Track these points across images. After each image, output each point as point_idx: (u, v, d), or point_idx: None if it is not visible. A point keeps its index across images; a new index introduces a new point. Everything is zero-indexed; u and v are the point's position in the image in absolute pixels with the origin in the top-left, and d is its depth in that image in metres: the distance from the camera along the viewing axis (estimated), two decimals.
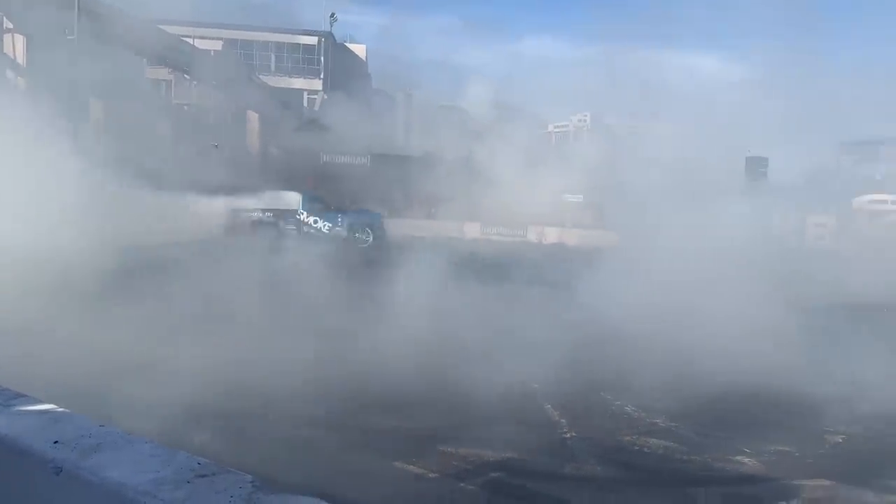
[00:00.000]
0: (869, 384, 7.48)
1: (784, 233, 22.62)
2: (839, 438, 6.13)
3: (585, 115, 53.21)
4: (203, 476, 2.75)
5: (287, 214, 22.65)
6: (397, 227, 28.77)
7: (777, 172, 27.45)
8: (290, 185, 24.61)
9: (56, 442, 3.00)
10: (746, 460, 5.44)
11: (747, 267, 10.69)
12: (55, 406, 3.61)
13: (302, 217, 22.72)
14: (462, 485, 4.87)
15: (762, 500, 4.84)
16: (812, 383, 7.23)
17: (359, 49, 47.17)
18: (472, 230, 30.15)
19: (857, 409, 6.85)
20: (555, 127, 54.22)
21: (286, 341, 7.60)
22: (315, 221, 22.85)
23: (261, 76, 39.73)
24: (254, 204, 22.45)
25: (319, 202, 23.53)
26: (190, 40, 34.47)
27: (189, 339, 7.40)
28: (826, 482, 5.12)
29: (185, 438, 4.92)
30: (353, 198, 27.96)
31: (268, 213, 22.47)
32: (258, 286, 9.94)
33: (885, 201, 22.67)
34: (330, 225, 22.90)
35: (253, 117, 34.95)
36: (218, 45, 38.70)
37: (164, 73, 34.77)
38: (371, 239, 23.01)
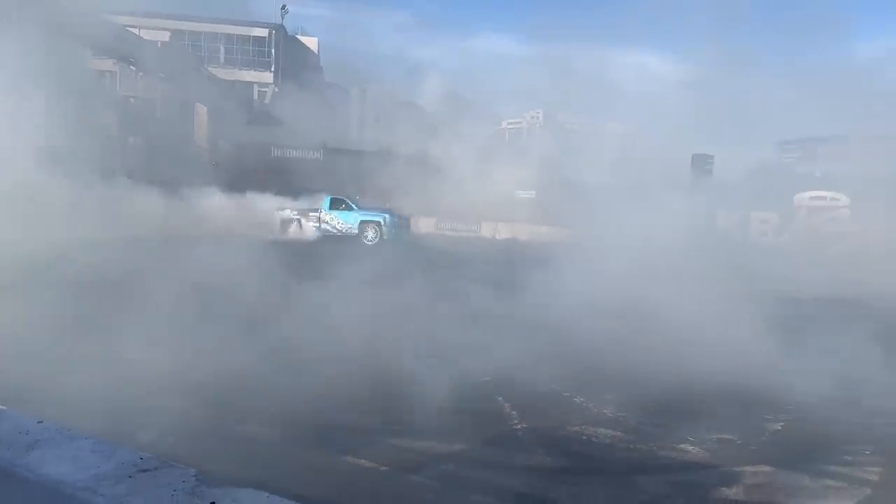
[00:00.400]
0: (806, 374, 7.76)
1: (729, 228, 23.30)
2: (779, 426, 6.34)
3: (538, 113, 53.66)
4: (145, 471, 2.71)
5: (311, 213, 24.49)
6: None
7: (722, 170, 28.22)
8: (238, 180, 24.46)
9: None
10: (691, 448, 5.59)
11: (690, 262, 10.98)
12: None
13: (321, 215, 24.34)
14: (414, 477, 4.88)
15: (706, 487, 4.97)
16: (753, 374, 7.46)
17: (311, 42, 46.59)
18: (427, 225, 30.23)
19: (796, 398, 7.10)
20: (508, 123, 54.54)
21: (229, 340, 7.50)
22: (331, 219, 24.42)
23: (210, 68, 38.92)
24: (296, 204, 24.84)
25: (343, 202, 25.02)
26: (136, 30, 33.57)
27: (121, 336, 7.23)
28: (766, 468, 5.30)
29: (130, 435, 4.82)
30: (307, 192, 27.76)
31: (294, 212, 24.54)
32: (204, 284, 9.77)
33: (824, 198, 23.46)
34: (342, 222, 24.41)
35: (201, 110, 34.23)
36: (165, 36, 37.78)
37: (108, 64, 33.79)
38: (377, 238, 24.11)
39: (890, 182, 19.59)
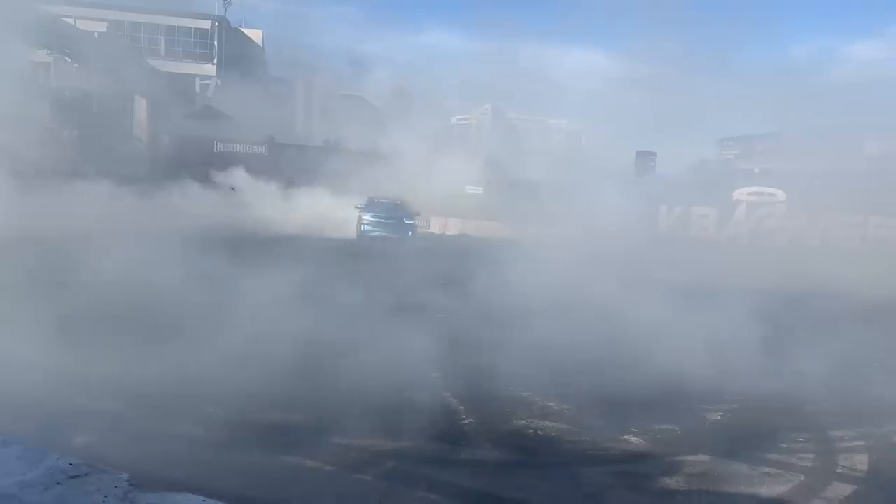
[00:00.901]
0: (744, 365, 8.01)
1: (671, 223, 23.84)
2: (718, 416, 6.52)
3: (487, 108, 53.93)
4: (75, 477, 2.61)
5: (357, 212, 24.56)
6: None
7: (664, 166, 28.91)
8: (181, 174, 23.94)
9: None
10: (633, 439, 5.70)
11: (631, 257, 11.21)
12: None
13: (360, 215, 24.37)
14: (359, 476, 4.84)
15: (648, 476, 5.07)
16: (693, 365, 7.65)
17: (255, 34, 45.75)
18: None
19: (735, 389, 7.32)
20: (458, 119, 54.67)
21: (165, 342, 7.33)
22: (361, 218, 24.44)
23: (150, 60, 37.84)
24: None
25: (378, 202, 24.99)
26: (72, 20, 32.41)
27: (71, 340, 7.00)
28: (706, 457, 5.45)
29: (65, 440, 4.66)
30: None
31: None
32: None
33: (762, 193, 24.15)
34: (367, 220, 24.31)
35: (141, 103, 33.24)
36: (103, 27, 36.57)
37: (42, 55, 32.52)
38: (387, 236, 23.77)
39: (823, 177, 20.35)
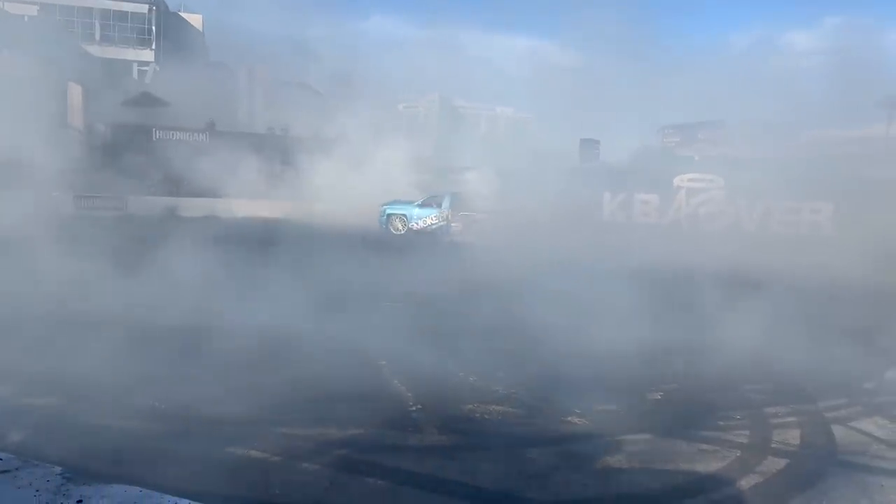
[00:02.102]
0: (680, 346, 8.26)
1: (614, 209, 24.29)
2: (658, 396, 6.71)
3: (434, 96, 53.81)
4: (5, 472, 2.54)
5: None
6: (242, 208, 27.87)
7: (608, 153, 29.41)
8: (118, 164, 23.25)
9: None
10: (577, 420, 5.82)
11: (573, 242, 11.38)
12: None
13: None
14: (306, 465, 4.82)
15: (591, 456, 5.18)
16: (631, 347, 7.86)
17: (194, 19, 44.59)
18: (321, 210, 29.74)
19: (673, 369, 7.55)
20: (405, 107, 54.42)
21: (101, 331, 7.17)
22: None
23: (84, 46, 36.53)
24: None
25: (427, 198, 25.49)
26: (0, 3, 31.03)
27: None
28: (647, 436, 5.60)
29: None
30: (193, 176, 26.78)
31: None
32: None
33: (701, 180, 24.76)
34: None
35: (75, 90, 32.06)
36: (33, 11, 35.13)
37: None
38: (404, 230, 24.78)
39: (760, 164, 21.01)
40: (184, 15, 44.01)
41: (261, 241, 17.05)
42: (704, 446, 5.47)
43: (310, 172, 28.35)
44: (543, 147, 25.68)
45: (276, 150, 29.94)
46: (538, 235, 17.32)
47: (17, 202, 14.08)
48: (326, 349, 7.42)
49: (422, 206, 25.25)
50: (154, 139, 29.67)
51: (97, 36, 38.74)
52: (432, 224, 24.85)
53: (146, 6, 39.84)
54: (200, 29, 44.79)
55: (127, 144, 27.78)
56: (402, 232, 24.72)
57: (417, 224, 24.95)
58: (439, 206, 24.97)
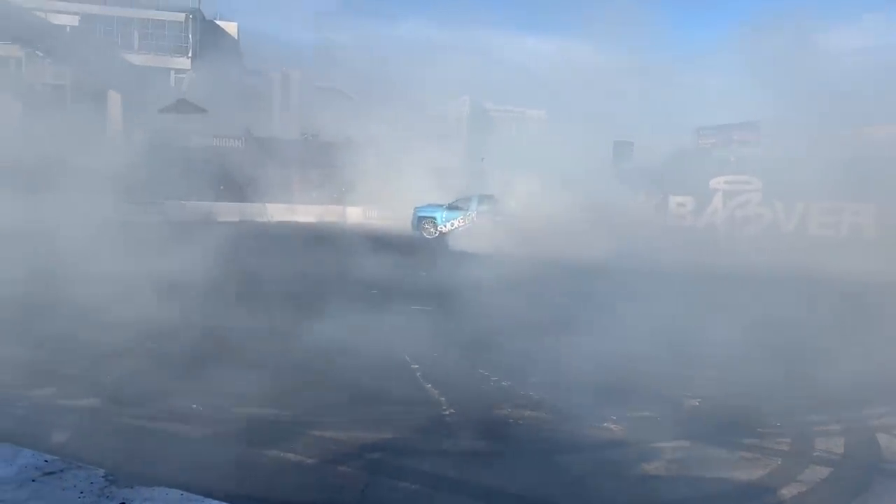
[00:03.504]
0: (721, 351, 8.11)
1: (649, 211, 24.02)
2: (696, 402, 6.59)
3: (465, 99, 53.77)
4: (51, 473, 2.59)
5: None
6: (276, 213, 28.18)
7: (642, 155, 29.09)
8: (157, 170, 23.62)
9: None
10: (613, 427, 5.75)
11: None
12: None
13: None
14: (342, 468, 4.84)
15: (627, 464, 5.11)
16: (668, 352, 7.75)
17: (230, 27, 45.28)
18: (355, 214, 30.00)
19: (712, 375, 7.41)
20: (435, 110, 54.43)
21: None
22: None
23: (124, 54, 37.32)
24: None
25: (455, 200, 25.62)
26: (43, 14, 31.83)
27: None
28: (685, 443, 5.50)
29: (43, 436, 4.61)
30: (228, 182, 27.19)
31: None
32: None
33: (737, 182, 24.39)
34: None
35: (115, 97, 32.80)
36: (75, 21, 35.98)
37: (13, 49, 31.92)
38: (436, 233, 24.86)
39: (797, 166, 20.59)
40: (219, 23, 44.70)
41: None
42: (745, 454, 5.36)
43: (343, 177, 28.59)
44: (576, 149, 25.45)
45: (310, 154, 30.25)
46: (575, 239, 17.24)
47: (76, 207, 14.46)
48: (359, 352, 7.45)
49: (449, 208, 25.27)
50: (191, 145, 30.15)
51: (136, 45, 39.55)
52: (460, 227, 24.80)
53: (183, 15, 40.57)
54: (235, 36, 45.45)
55: (164, 150, 28.26)
56: (435, 235, 24.76)
57: (445, 227, 24.93)
58: (466, 208, 24.93)
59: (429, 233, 25.06)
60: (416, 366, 7.25)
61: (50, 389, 5.90)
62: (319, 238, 21.69)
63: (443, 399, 6.30)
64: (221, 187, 27.75)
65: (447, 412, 6.00)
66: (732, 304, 9.89)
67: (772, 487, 4.79)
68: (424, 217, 25.56)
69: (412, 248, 20.65)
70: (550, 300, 10.29)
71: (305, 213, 29.10)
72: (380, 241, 21.77)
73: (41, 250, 11.34)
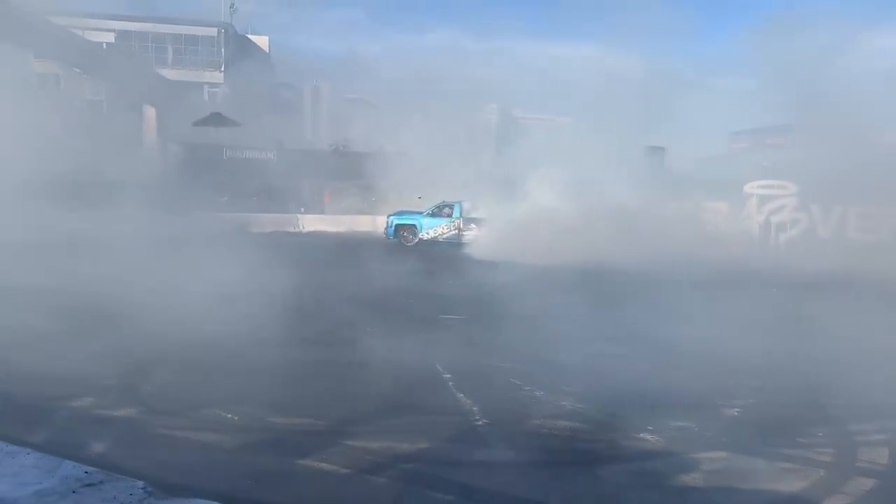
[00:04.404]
0: (760, 360, 7.95)
1: (680, 218, 23.69)
2: (734, 412, 6.45)
3: (493, 107, 53.76)
4: (91, 485, 2.62)
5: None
6: (308, 223, 28.42)
7: (674, 161, 28.78)
8: (191, 182, 24.05)
9: None
10: (649, 437, 5.65)
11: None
12: None
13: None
14: (375, 478, 4.82)
15: (665, 475, 5.02)
16: (706, 361, 7.62)
17: (261, 41, 45.98)
18: (385, 224, 30.03)
19: (749, 384, 7.26)
20: (464, 118, 54.44)
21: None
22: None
23: (158, 69, 38.10)
24: None
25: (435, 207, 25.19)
26: (80, 32, 32.64)
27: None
28: (724, 454, 5.39)
29: (81, 446, 4.68)
30: (261, 193, 27.54)
31: None
32: None
33: (772, 186, 23.98)
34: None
35: (150, 112, 33.47)
36: (111, 38, 36.86)
37: (52, 66, 32.78)
38: (416, 240, 24.29)
39: (835, 170, 20.19)
40: (251, 37, 45.40)
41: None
42: (786, 465, 5.23)
43: (372, 187, 28.75)
44: (606, 155, 25.25)
45: (340, 165, 30.47)
46: (602, 246, 17.10)
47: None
48: (391, 361, 7.45)
49: (431, 215, 24.82)
50: (224, 157, 30.60)
51: (170, 60, 40.33)
52: (443, 234, 24.46)
53: (215, 30, 41.29)
54: (267, 50, 46.12)
55: (198, 163, 28.75)
56: (414, 243, 24.23)
57: (427, 234, 24.50)
58: (450, 215, 24.62)
59: (408, 241, 24.40)
60: (448, 375, 7.22)
61: (88, 399, 5.98)
62: (350, 248, 21.85)
63: (475, 409, 6.26)
64: (254, 198, 28.09)
65: (480, 422, 5.96)
66: (771, 311, 9.71)
67: (814, 499, 4.67)
68: (403, 225, 24.84)
69: (440, 257, 20.66)
70: (582, 308, 10.16)
71: (336, 224, 29.26)
72: (408, 251, 21.86)
73: (84, 262, 11.56)
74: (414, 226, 24.84)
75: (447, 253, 21.93)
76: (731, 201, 24.09)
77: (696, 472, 5.04)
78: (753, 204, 23.81)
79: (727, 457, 5.33)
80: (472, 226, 24.53)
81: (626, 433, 5.72)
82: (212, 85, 41.19)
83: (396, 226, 24.91)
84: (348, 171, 30.22)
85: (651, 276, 13.31)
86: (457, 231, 24.47)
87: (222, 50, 41.29)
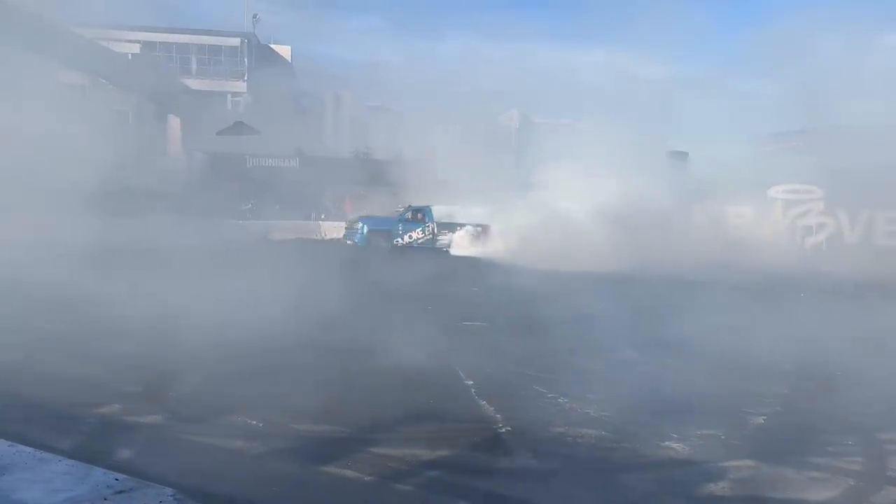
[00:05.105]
0: (787, 366, 7.85)
1: (704, 223, 23.49)
2: (761, 419, 6.37)
3: (513, 113, 53.77)
4: (121, 492, 2.65)
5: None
6: (329, 230, 28.60)
7: (698, 165, 28.53)
8: (215, 190, 24.36)
9: None
10: (675, 445, 5.59)
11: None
12: None
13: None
14: (399, 486, 4.83)
15: (691, 483, 4.97)
16: (731, 367, 7.54)
17: (283, 50, 46.45)
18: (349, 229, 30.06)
19: (776, 390, 7.17)
20: (484, 124, 54.47)
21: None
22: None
23: (182, 79, 38.65)
24: None
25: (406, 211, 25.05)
26: (106, 43, 33.19)
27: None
28: (751, 462, 5.32)
29: (108, 452, 4.74)
30: (284, 200, 27.78)
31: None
32: None
33: (797, 191, 23.72)
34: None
35: (174, 121, 33.94)
36: (136, 48, 37.47)
37: (78, 77, 33.35)
38: (391, 246, 23.83)
39: (861, 173, 19.92)
40: (273, 47, 45.90)
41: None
42: (814, 474, 5.15)
43: (394, 193, 28.85)
44: (629, 160, 25.12)
45: (362, 172, 30.65)
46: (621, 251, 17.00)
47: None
48: (413, 368, 7.46)
49: (406, 221, 24.38)
50: (247, 166, 30.93)
51: (194, 69, 40.92)
52: (419, 239, 24.06)
53: (238, 40, 41.82)
54: (289, 59, 46.58)
55: (222, 171, 29.08)
56: (389, 248, 23.76)
57: (402, 240, 24.10)
58: (423, 220, 24.22)
59: (383, 246, 23.80)
60: (471, 382, 7.22)
61: (116, 406, 6.06)
62: (369, 254, 21.95)
63: (498, 416, 6.24)
64: (277, 206, 28.35)
65: (503, 429, 5.94)
66: (800, 317, 9.58)
67: None
68: (378, 230, 24.16)
69: (460, 263, 20.68)
70: (604, 314, 10.11)
71: None
72: (429, 256, 21.88)
73: (111, 272, 11.74)
74: (389, 231, 24.16)
75: (461, 259, 21.91)
76: (756, 206, 23.84)
77: (722, 480, 4.98)
78: (779, 208, 23.55)
79: (754, 465, 5.26)
80: (446, 231, 24.16)
81: (652, 441, 5.67)
82: (235, 94, 41.71)
83: (370, 231, 23.96)
84: (370, 177, 30.40)
85: (676, 281, 13.22)
86: (431, 236, 24.01)
87: (245, 59, 41.78)
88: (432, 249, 23.79)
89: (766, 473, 5.13)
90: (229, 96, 41.76)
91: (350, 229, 25.15)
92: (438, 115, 35.96)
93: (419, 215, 24.56)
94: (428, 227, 24.30)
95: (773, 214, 23.74)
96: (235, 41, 41.81)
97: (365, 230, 24.12)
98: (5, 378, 6.52)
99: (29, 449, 2.63)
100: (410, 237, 24.19)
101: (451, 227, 24.15)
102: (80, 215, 16.00)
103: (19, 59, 21.26)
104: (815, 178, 23.29)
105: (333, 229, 29.45)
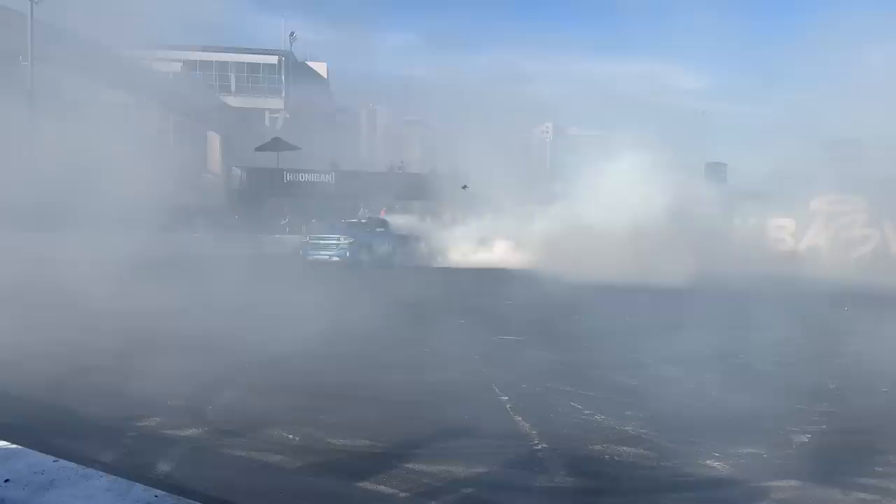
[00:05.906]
0: (833, 382, 7.63)
1: (745, 235, 23.09)
2: (805, 438, 6.19)
3: (548, 126, 53.78)
4: None
5: None
6: None
7: (738, 177, 28.12)
8: (253, 205, 24.78)
9: (7, 480, 2.90)
10: (716, 464, 5.46)
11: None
12: (7, 443, 3.49)
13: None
14: (434, 503, 4.80)
15: None
16: (774, 383, 7.35)
17: (320, 67, 47.19)
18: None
19: (822, 408, 6.98)
20: (519, 137, 54.51)
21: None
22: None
23: (221, 97, 39.48)
24: None
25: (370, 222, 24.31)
26: (148, 63, 34.10)
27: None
28: (795, 482, 5.16)
29: (148, 467, 4.81)
30: (319, 215, 28.09)
31: None
32: None
33: (841, 202, 23.18)
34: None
35: (214, 138, 34.65)
36: (177, 67, 38.41)
37: (122, 96, 34.30)
38: (369, 259, 22.23)
39: None
40: (310, 64, 46.66)
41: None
42: (862, 495, 4.98)
43: (428, 207, 28.99)
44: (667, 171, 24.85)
45: (397, 186, 30.88)
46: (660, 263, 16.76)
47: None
48: (447, 382, 7.45)
49: (374, 234, 23.09)
50: (285, 181, 31.39)
51: (233, 87, 41.81)
52: (395, 251, 23.01)
53: (276, 58, 42.65)
54: (325, 76, 47.29)
55: (260, 187, 29.55)
56: (367, 261, 22.13)
57: (379, 251, 22.70)
58: (384, 231, 23.31)
59: (361, 259, 22.04)
60: (506, 397, 7.17)
61: (156, 419, 6.15)
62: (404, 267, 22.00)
63: (534, 433, 6.18)
64: (312, 220, 28.68)
65: (539, 446, 5.87)
66: (846, 331, 9.33)
67: None
68: (360, 245, 22.04)
69: (491, 276, 20.62)
70: (644, 327, 9.98)
71: None
72: (463, 269, 21.87)
73: (155, 287, 12.00)
74: (370, 245, 22.38)
75: (480, 272, 21.80)
76: (798, 217, 23.36)
77: (765, 500, 4.84)
78: (821, 220, 23.04)
79: (799, 486, 5.11)
80: (407, 243, 23.30)
81: (692, 460, 5.55)
82: (273, 111, 42.45)
83: (350, 244, 21.58)
84: (405, 191, 30.59)
85: (717, 294, 12.98)
86: (391, 247, 22.83)
87: (283, 77, 42.53)
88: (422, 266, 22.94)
89: (812, 494, 4.98)
90: (267, 113, 42.52)
91: (313, 245, 22.30)
92: (472, 128, 36.08)
93: (379, 229, 23.32)
94: (388, 238, 23.21)
95: (815, 226, 23.22)
96: (273, 59, 42.63)
97: (347, 243, 21.63)
98: (51, 391, 6.69)
99: (72, 464, 2.69)
100: (385, 250, 22.79)
101: (405, 239, 23.38)
102: (128, 232, 16.39)
103: (71, 82, 21.96)
104: (858, 188, 22.74)
105: None
